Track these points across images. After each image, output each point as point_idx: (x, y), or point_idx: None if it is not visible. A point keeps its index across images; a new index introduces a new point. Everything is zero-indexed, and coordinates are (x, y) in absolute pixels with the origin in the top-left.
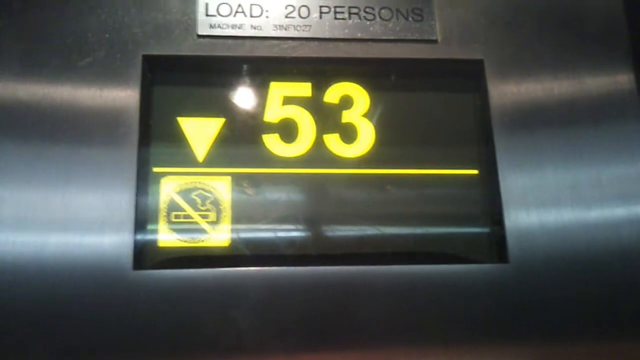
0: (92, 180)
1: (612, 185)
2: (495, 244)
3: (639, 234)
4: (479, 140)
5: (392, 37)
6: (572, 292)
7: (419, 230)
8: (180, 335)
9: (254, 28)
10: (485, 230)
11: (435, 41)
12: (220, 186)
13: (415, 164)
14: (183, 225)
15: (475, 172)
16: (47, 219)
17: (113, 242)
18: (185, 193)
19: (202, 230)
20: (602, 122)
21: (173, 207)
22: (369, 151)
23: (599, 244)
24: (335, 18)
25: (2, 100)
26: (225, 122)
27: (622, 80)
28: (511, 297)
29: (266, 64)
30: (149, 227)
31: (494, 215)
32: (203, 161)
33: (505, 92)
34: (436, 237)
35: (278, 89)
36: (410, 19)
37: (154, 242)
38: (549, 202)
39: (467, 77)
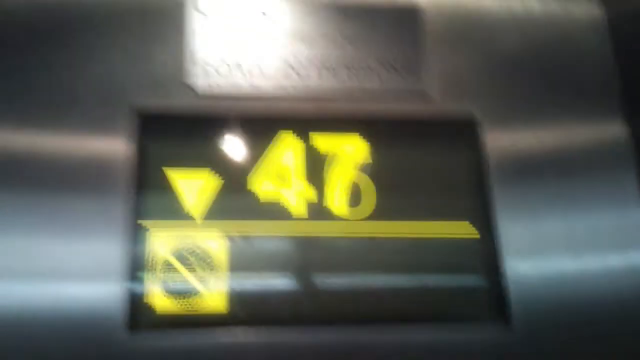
0: (80, 237)
1: (607, 235)
2: (496, 301)
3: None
4: (475, 194)
5: (385, 92)
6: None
7: (416, 287)
8: None
9: (247, 81)
10: (485, 286)
11: (428, 96)
12: (214, 242)
13: (409, 219)
14: (175, 284)
15: (472, 228)
16: (36, 273)
17: (104, 302)
18: (177, 249)
19: (194, 289)
20: (595, 172)
21: (165, 263)
22: (365, 206)
23: (597, 296)
24: (329, 73)
25: None
26: (218, 178)
27: (613, 131)
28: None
29: (262, 121)
30: (140, 286)
31: (495, 274)
32: (195, 216)
33: (499, 145)
34: (434, 295)
35: (273, 145)
36: (403, 73)
37: (144, 301)
38: (549, 256)
39: (460, 130)
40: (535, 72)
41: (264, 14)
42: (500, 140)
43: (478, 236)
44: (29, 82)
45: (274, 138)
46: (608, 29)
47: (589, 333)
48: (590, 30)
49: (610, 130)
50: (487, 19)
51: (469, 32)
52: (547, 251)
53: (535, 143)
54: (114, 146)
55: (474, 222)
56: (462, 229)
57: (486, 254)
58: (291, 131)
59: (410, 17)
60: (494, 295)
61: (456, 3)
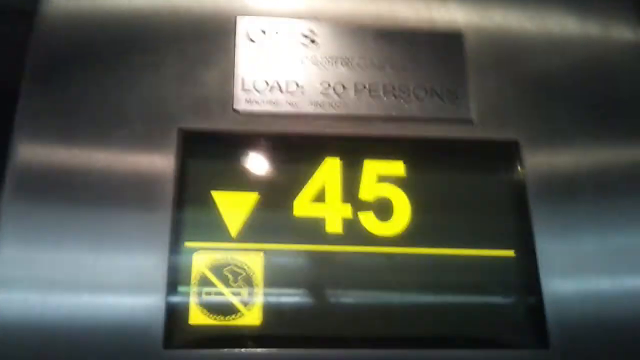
0: (123, 253)
1: None
2: (534, 327)
3: None
4: (515, 220)
5: (426, 116)
6: None
7: (452, 312)
8: None
9: (290, 104)
10: (523, 312)
11: (470, 121)
12: (253, 262)
13: (451, 244)
14: (214, 303)
15: (511, 253)
16: (77, 288)
17: (143, 318)
18: (217, 269)
19: (232, 307)
20: (634, 192)
21: (205, 283)
22: (404, 230)
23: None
24: (370, 96)
25: (40, 165)
26: (259, 197)
27: None
28: None
29: (302, 140)
30: (180, 303)
31: (532, 297)
32: (236, 236)
33: (541, 171)
34: (471, 320)
35: (312, 166)
36: (444, 98)
37: (184, 320)
38: (590, 285)
39: (503, 156)
40: (574, 94)
41: (305, 36)
42: (540, 162)
43: (514, 256)
44: (78, 99)
45: (314, 159)
46: None
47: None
48: (629, 52)
49: None
50: (526, 42)
51: (508, 55)
52: (587, 273)
53: (574, 164)
54: (158, 164)
55: (514, 249)
56: (503, 254)
57: (524, 278)
58: (331, 153)
59: (453, 42)
60: (532, 320)
61: (495, 27)
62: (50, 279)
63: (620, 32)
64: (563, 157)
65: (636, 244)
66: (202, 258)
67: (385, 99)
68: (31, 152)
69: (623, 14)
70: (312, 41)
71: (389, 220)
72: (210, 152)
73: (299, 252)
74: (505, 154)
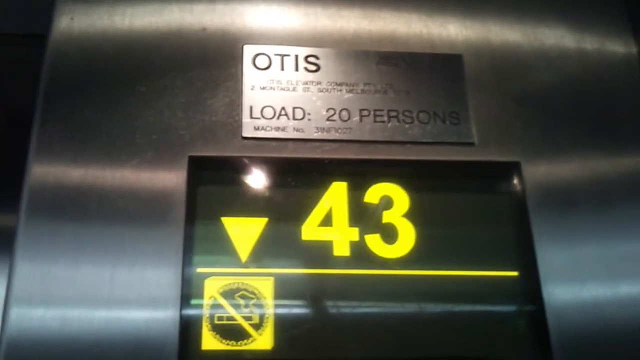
0: (135, 279)
1: None
2: (538, 343)
3: None
4: (518, 240)
5: (430, 140)
6: None
7: (458, 331)
8: None
9: (297, 130)
10: (526, 330)
11: (472, 144)
12: (263, 287)
13: (455, 266)
14: (226, 327)
15: (515, 273)
16: (90, 326)
17: (156, 344)
18: (228, 294)
19: (242, 330)
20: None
21: (216, 308)
22: (409, 252)
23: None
24: (375, 121)
25: (56, 186)
26: (267, 222)
27: None
28: None
29: (308, 165)
30: (193, 328)
31: (535, 314)
32: (246, 262)
33: (542, 190)
34: (476, 339)
35: (318, 191)
36: (447, 122)
37: (197, 345)
38: (593, 302)
39: (504, 178)
40: (572, 110)
41: (309, 62)
42: (541, 181)
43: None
44: (91, 124)
45: (321, 184)
46: None
47: None
48: (625, 67)
49: None
50: (524, 62)
51: (507, 75)
52: (591, 291)
53: (574, 180)
54: (170, 188)
55: (518, 269)
56: (506, 275)
57: (528, 296)
58: (337, 177)
59: (453, 65)
60: (535, 336)
61: (493, 48)
62: (67, 296)
63: (615, 48)
64: (563, 174)
65: (637, 252)
66: (213, 283)
67: (389, 124)
68: (47, 173)
69: (617, 30)
70: (316, 67)
71: (394, 243)
72: (219, 178)
73: (308, 276)
74: (507, 175)
